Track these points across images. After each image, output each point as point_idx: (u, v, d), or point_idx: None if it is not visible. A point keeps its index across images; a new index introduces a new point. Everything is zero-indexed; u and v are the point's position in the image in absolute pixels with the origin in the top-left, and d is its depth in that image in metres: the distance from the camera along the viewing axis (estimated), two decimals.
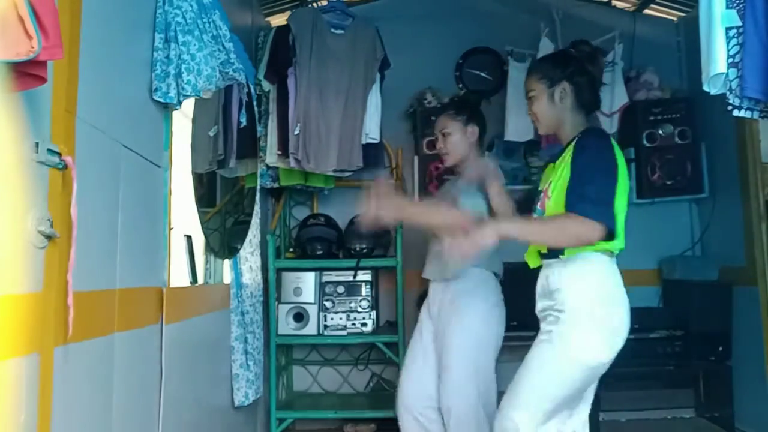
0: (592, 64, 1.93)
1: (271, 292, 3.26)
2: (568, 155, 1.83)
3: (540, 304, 1.88)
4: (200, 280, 2.57)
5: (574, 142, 1.84)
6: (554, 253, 1.80)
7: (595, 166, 1.74)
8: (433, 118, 3.55)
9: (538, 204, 1.88)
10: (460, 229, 1.93)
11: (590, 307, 1.75)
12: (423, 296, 3.22)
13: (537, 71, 1.96)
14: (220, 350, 2.45)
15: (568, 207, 1.71)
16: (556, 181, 1.81)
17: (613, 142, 1.83)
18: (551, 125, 1.95)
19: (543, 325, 1.84)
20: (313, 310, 3.31)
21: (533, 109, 1.95)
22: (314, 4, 3.77)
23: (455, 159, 2.41)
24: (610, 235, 1.68)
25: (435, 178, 3.57)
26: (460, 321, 2.29)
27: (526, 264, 1.98)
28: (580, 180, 1.72)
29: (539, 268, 1.92)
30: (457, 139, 2.38)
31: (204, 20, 1.96)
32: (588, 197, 1.67)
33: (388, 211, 2.00)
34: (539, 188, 1.97)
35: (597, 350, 1.73)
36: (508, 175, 3.66)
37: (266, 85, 3.22)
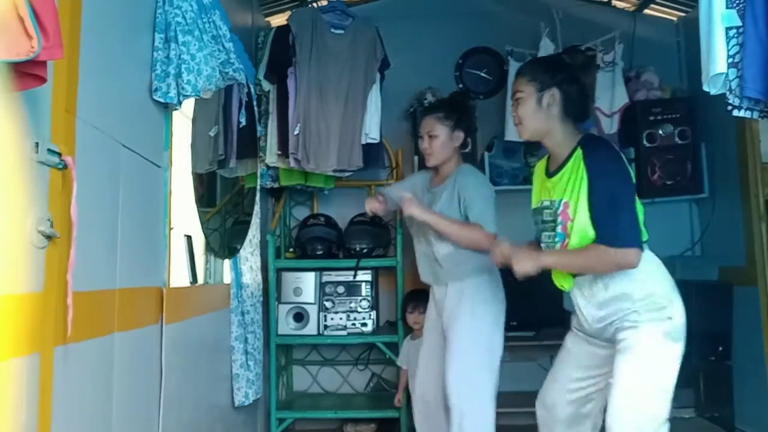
0: (585, 73, 1.91)
1: (271, 292, 3.26)
2: (578, 167, 1.80)
3: (599, 313, 1.82)
4: (200, 280, 2.58)
5: (580, 154, 1.81)
6: None
7: (620, 189, 1.75)
8: None
9: (559, 227, 1.83)
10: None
11: (655, 287, 1.77)
12: (408, 300, 3.22)
13: (527, 73, 1.92)
14: (220, 350, 2.45)
15: (601, 236, 1.73)
16: (575, 200, 1.78)
17: (619, 152, 1.85)
18: (535, 131, 1.90)
19: (615, 334, 1.79)
20: (313, 310, 3.31)
21: (518, 112, 1.91)
22: (314, 4, 3.77)
23: (438, 161, 2.46)
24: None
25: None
26: (463, 325, 2.33)
27: None
28: (610, 206, 1.74)
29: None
30: (442, 142, 2.43)
31: (204, 20, 1.96)
32: (621, 226, 1.72)
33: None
34: (540, 197, 1.95)
35: (678, 340, 1.75)
36: (508, 175, 3.67)
37: (266, 85, 3.22)
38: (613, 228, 1.72)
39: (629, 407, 1.72)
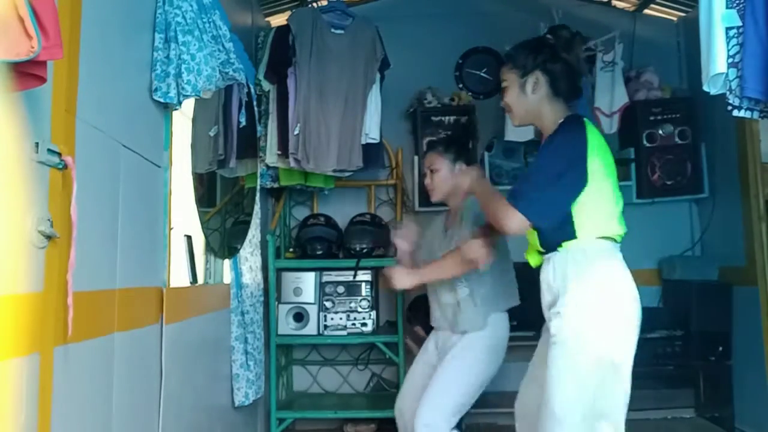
0: (567, 51, 1.84)
1: (271, 292, 3.25)
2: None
3: (544, 302, 1.80)
4: (200, 280, 2.57)
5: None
6: (553, 246, 1.75)
7: (546, 166, 1.73)
8: (433, 118, 3.60)
9: None
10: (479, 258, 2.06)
11: (595, 299, 1.68)
12: (411, 309, 3.21)
13: (510, 60, 1.91)
14: (220, 350, 2.45)
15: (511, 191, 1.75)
16: None
17: (589, 128, 1.75)
18: (525, 117, 1.89)
19: (549, 324, 1.75)
20: (313, 310, 3.31)
21: (505, 100, 1.90)
22: (314, 4, 3.77)
23: (441, 194, 2.46)
24: (534, 227, 1.71)
25: None
26: (456, 359, 2.29)
27: (526, 264, 1.97)
28: (528, 173, 1.76)
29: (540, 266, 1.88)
30: (444, 176, 2.43)
31: (204, 20, 1.96)
32: (523, 190, 1.70)
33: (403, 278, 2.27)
34: None
35: (611, 344, 1.67)
36: (508, 175, 3.67)
37: (266, 85, 3.22)
38: (517, 188, 1.72)
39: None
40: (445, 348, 2.37)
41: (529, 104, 1.86)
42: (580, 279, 1.70)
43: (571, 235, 1.71)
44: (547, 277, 1.79)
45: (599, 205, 1.72)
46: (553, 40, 1.87)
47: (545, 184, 1.69)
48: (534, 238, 1.80)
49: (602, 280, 1.70)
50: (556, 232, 1.73)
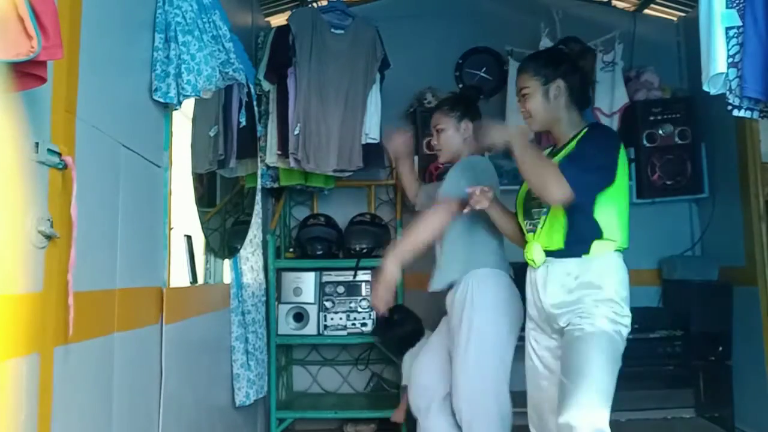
0: (583, 60, 1.97)
1: (271, 292, 3.25)
2: (572, 145, 1.88)
3: (559, 298, 1.85)
4: (200, 280, 2.58)
5: (583, 133, 1.90)
6: (575, 251, 1.84)
7: (596, 154, 1.82)
8: None
9: None
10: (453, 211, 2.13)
11: (620, 296, 1.82)
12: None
13: (530, 68, 1.97)
14: (220, 350, 2.45)
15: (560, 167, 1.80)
16: None
17: (620, 142, 1.89)
18: (545, 122, 1.97)
19: (570, 319, 1.82)
20: (313, 310, 3.31)
21: (527, 107, 1.96)
22: (314, 4, 3.77)
23: (448, 155, 2.42)
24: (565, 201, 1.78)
25: (435, 178, 3.57)
26: (465, 325, 2.25)
27: (525, 264, 1.98)
28: (579, 155, 1.82)
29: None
30: (450, 135, 2.40)
31: (204, 20, 1.96)
32: (571, 168, 1.77)
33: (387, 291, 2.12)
34: None
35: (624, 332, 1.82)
36: (509, 175, 3.66)
37: (266, 85, 3.22)
38: (566, 166, 1.78)
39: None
40: (450, 308, 2.35)
41: (550, 111, 1.95)
42: (612, 280, 1.82)
43: (599, 234, 1.82)
44: (565, 279, 1.85)
45: (619, 212, 1.85)
46: (568, 51, 1.97)
47: (590, 168, 1.79)
48: (558, 233, 1.86)
49: (623, 282, 1.84)
50: (586, 229, 1.82)
